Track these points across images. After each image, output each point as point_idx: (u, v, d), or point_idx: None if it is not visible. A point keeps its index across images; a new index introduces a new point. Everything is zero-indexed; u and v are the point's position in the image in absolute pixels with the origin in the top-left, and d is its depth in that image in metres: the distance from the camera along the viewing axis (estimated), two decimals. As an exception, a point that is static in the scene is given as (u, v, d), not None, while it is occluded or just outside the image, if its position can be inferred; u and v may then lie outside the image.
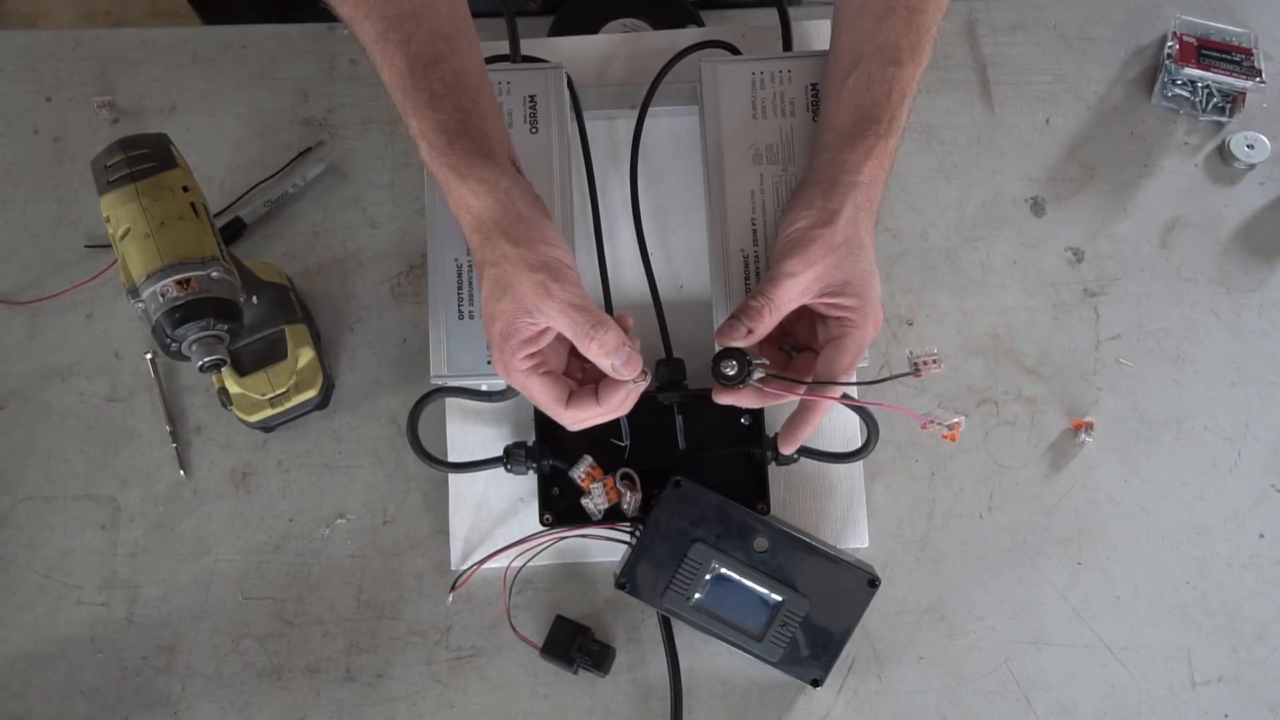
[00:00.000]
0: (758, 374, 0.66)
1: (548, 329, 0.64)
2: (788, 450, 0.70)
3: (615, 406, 0.66)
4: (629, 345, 0.63)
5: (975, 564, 0.77)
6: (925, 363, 0.64)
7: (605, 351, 0.62)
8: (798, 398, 0.67)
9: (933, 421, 0.64)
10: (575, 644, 0.73)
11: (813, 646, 0.71)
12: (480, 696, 0.74)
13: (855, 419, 0.78)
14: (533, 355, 0.65)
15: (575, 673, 0.73)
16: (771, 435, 0.75)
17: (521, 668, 0.74)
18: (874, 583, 0.71)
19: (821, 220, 0.66)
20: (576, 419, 0.66)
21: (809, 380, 0.67)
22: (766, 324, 0.66)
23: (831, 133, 0.70)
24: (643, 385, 0.65)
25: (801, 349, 0.71)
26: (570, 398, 0.66)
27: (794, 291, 0.65)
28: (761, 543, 0.71)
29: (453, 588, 0.75)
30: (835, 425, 0.79)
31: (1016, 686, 0.74)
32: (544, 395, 0.66)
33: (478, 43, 0.71)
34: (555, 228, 0.66)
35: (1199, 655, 0.74)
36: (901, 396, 0.80)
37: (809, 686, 0.72)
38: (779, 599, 0.70)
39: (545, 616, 0.75)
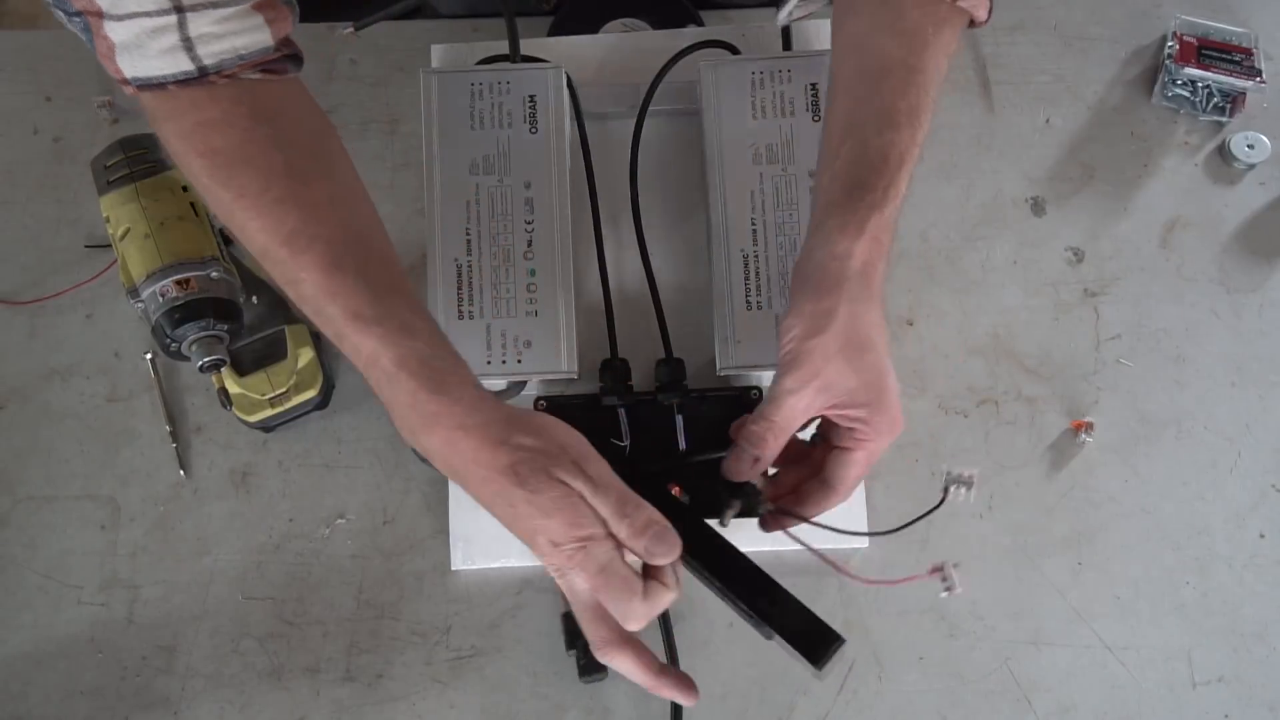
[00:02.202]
0: (763, 509, 0.64)
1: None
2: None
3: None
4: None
5: (975, 564, 0.77)
6: (958, 485, 0.65)
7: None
8: (805, 521, 0.65)
9: (938, 577, 0.62)
10: (581, 640, 0.73)
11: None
12: (480, 696, 0.74)
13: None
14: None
15: (568, 655, 0.73)
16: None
17: (521, 668, 0.74)
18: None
19: (814, 329, 0.61)
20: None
21: (809, 518, 0.64)
22: (772, 448, 0.62)
23: (824, 209, 0.64)
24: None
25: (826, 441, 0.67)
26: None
27: (797, 409, 0.61)
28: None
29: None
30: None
31: (1016, 686, 0.74)
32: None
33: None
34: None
35: (1199, 655, 0.74)
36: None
37: (807, 686, 0.72)
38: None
39: (545, 616, 0.75)
